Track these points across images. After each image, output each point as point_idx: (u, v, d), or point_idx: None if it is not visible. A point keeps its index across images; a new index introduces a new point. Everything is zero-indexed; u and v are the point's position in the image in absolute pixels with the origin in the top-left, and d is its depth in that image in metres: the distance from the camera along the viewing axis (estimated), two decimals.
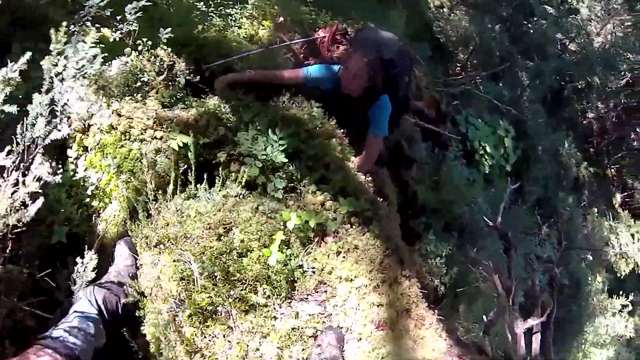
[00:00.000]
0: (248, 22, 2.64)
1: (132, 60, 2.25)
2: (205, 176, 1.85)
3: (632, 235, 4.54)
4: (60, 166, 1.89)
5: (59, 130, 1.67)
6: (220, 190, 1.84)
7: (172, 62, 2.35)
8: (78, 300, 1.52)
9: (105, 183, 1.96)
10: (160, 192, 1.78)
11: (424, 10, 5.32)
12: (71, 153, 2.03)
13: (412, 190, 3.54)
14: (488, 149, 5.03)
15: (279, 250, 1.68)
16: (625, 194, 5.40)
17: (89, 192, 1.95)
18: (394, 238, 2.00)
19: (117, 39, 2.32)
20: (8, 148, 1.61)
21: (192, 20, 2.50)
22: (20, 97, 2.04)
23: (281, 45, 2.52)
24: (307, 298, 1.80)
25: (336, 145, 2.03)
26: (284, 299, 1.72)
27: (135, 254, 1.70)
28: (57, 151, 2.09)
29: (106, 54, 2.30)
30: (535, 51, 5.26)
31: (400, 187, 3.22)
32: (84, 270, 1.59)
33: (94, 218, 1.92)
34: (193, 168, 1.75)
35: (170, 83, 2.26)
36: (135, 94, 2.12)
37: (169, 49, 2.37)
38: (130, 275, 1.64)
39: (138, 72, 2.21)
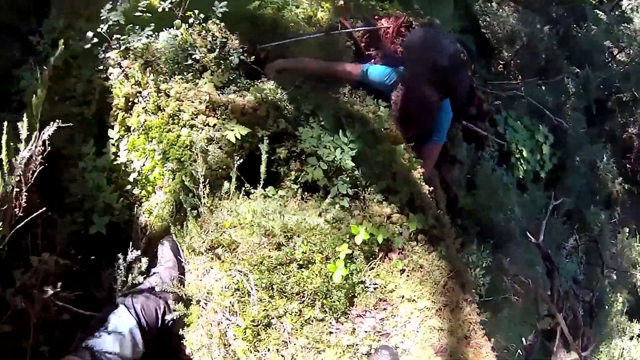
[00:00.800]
0: (307, 1, 2.35)
1: (181, 34, 1.99)
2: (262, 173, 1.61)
3: None
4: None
5: None
6: (278, 191, 1.62)
7: (224, 39, 2.09)
8: (117, 307, 1.32)
9: (148, 169, 1.73)
10: (211, 187, 1.55)
11: (472, 2, 4.95)
12: (112, 133, 1.80)
13: (454, 193, 3.30)
14: (525, 154, 4.75)
15: (343, 266, 1.46)
16: None
17: (130, 179, 1.73)
18: (456, 259, 1.78)
19: (166, 9, 2.06)
20: None
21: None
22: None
23: (342, 32, 2.24)
24: (364, 314, 1.60)
25: (403, 152, 1.78)
26: (341, 314, 1.52)
27: (179, 256, 1.49)
28: (97, 129, 1.86)
29: (153, 24, 2.06)
30: (582, 58, 4.90)
31: (442, 189, 2.99)
32: (127, 271, 1.38)
33: (135, 208, 1.70)
34: (264, 163, 1.51)
35: (222, 62, 2.01)
36: (185, 73, 1.87)
37: (222, 24, 2.11)
38: (174, 280, 1.43)
39: (188, 48, 1.96)
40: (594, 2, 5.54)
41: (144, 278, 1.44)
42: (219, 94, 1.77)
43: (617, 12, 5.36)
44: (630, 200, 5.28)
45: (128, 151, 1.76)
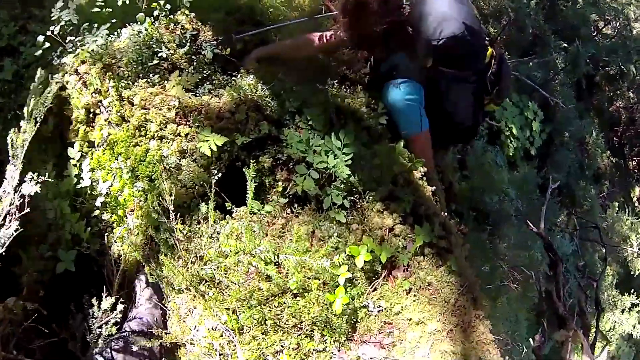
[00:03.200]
0: None
1: (146, 30, 1.67)
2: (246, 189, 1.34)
3: None
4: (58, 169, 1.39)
5: None
6: (264, 206, 1.35)
7: (196, 32, 1.77)
8: None
9: (117, 190, 1.45)
10: (187, 209, 1.29)
11: None
12: (73, 152, 1.50)
13: (449, 181, 3.05)
14: (514, 131, 4.54)
15: (343, 293, 1.22)
16: None
17: (97, 203, 1.44)
18: (467, 271, 1.54)
19: (127, 2, 1.73)
20: None
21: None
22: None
23: (327, 15, 1.93)
24: (369, 340, 1.37)
25: (403, 150, 1.52)
26: (343, 342, 1.29)
27: (159, 294, 1.23)
28: (57, 148, 1.57)
29: (114, 21, 1.74)
30: (569, 32, 4.62)
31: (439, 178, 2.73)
32: (101, 317, 1.12)
33: (106, 236, 1.43)
34: (251, 187, 1.24)
35: (194, 58, 1.69)
36: (151, 75, 1.56)
37: (192, 15, 1.78)
38: (156, 321, 1.18)
39: (154, 45, 1.64)
40: None
41: (123, 322, 1.19)
42: (190, 97, 1.47)
43: None
44: (618, 173, 5.11)
45: (92, 171, 1.47)
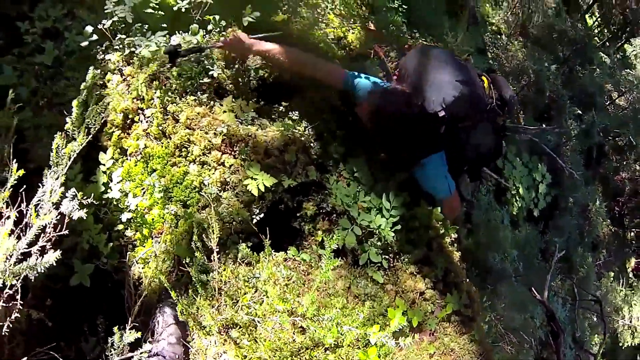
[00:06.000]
0: (337, 21, 2.11)
1: (198, 42, 1.71)
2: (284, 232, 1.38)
3: None
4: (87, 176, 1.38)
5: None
6: (301, 254, 1.38)
7: None
8: None
9: (145, 207, 1.45)
10: (223, 246, 1.30)
11: (481, 32, 4.85)
12: (104, 158, 1.50)
13: (457, 236, 3.14)
14: (521, 191, 4.72)
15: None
16: None
17: (123, 218, 1.44)
18: (484, 339, 1.62)
19: (183, 10, 1.77)
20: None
21: (275, 4, 1.94)
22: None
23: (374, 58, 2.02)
24: None
25: (440, 216, 1.59)
26: None
27: (183, 330, 1.23)
28: (85, 148, 1.56)
29: (164, 25, 1.77)
30: (585, 99, 4.91)
31: None
32: (122, 348, 1.11)
33: (127, 253, 1.42)
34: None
35: (240, 80, 1.74)
36: (199, 93, 1.59)
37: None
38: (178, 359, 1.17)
39: (205, 61, 1.68)
40: (597, 44, 5.59)
41: (143, 355, 1.17)
42: (237, 126, 1.51)
43: (619, 56, 5.42)
44: (616, 242, 5.37)
45: (122, 181, 1.47)
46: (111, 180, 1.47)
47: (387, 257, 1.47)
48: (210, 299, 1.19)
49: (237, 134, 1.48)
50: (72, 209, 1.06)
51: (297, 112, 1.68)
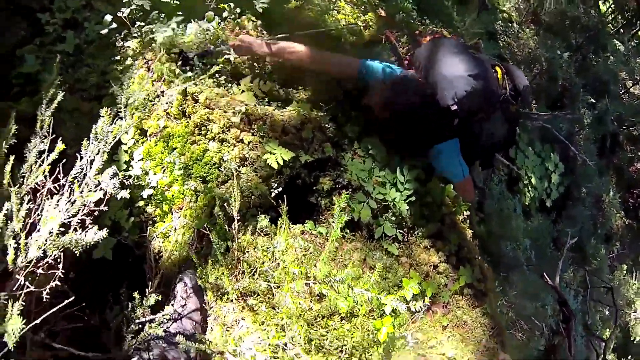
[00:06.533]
0: (349, 8, 2.16)
1: (214, 29, 1.77)
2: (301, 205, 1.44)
3: None
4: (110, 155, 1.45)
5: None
6: (317, 227, 1.44)
7: (259, 39, 1.88)
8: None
9: (165, 185, 1.52)
10: (242, 218, 1.37)
11: (492, 20, 4.86)
12: (126, 138, 1.57)
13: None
14: (533, 180, 4.72)
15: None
16: None
17: (144, 194, 1.51)
18: (497, 315, 1.67)
19: None
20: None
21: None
22: None
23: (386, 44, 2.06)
24: None
25: (452, 192, 1.63)
26: None
27: (200, 297, 1.30)
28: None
29: (179, 13, 1.84)
30: (598, 87, 4.90)
31: None
32: (143, 313, 1.18)
33: (147, 228, 1.49)
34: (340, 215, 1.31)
35: (255, 64, 1.80)
36: (217, 76, 1.66)
37: (259, 22, 1.90)
38: (195, 326, 1.24)
39: (221, 45, 1.74)
40: (611, 31, 5.55)
41: (162, 322, 1.24)
42: (255, 105, 1.57)
43: (634, 43, 5.38)
44: (630, 234, 5.34)
45: (143, 160, 1.54)
46: (132, 159, 1.54)
47: (401, 231, 1.52)
48: (230, 267, 1.26)
49: (255, 113, 1.54)
50: (114, 187, 1.13)
51: (311, 94, 1.75)
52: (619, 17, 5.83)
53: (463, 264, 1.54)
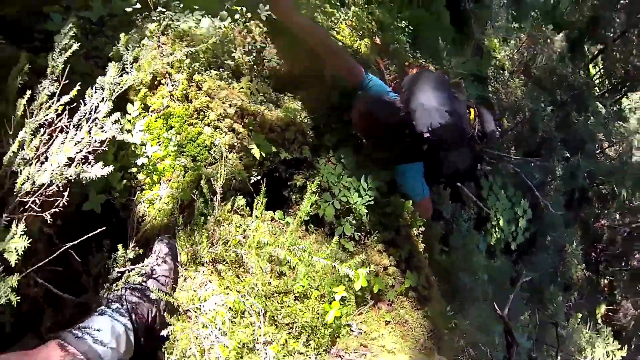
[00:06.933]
0: (347, 31, 2.42)
1: (225, 27, 1.99)
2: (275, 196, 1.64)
3: (607, 354, 4.62)
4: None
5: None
6: (286, 217, 1.64)
7: (263, 45, 2.11)
8: (107, 306, 1.30)
9: (159, 157, 1.71)
10: (223, 198, 1.56)
11: (486, 65, 5.24)
12: (131, 109, 1.76)
13: (431, 249, 3.42)
14: (501, 223, 5.01)
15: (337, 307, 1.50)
16: (611, 307, 5.54)
17: (138, 162, 1.69)
18: (438, 322, 1.88)
19: None
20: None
21: (297, 6, 2.25)
22: None
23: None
24: (343, 356, 1.65)
25: (410, 208, 1.86)
26: (322, 351, 1.56)
27: (175, 260, 1.47)
28: (115, 103, 1.82)
29: (197, 8, 2.05)
30: (576, 144, 5.28)
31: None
32: (123, 264, 1.35)
33: (136, 193, 1.67)
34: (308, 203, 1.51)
35: (255, 67, 2.02)
36: (221, 70, 1.87)
37: (265, 29, 2.13)
38: (167, 284, 1.42)
39: (228, 44, 1.97)
40: (596, 93, 6.00)
41: (138, 273, 1.41)
42: (249, 103, 1.78)
43: (615, 108, 5.82)
44: (589, 287, 5.66)
45: (143, 132, 1.73)
46: (134, 128, 1.72)
47: (359, 233, 1.73)
48: (206, 235, 1.44)
49: (249, 109, 1.76)
50: (116, 131, 1.31)
51: (300, 103, 1.97)
52: (606, 82, 6.30)
53: (411, 270, 1.76)
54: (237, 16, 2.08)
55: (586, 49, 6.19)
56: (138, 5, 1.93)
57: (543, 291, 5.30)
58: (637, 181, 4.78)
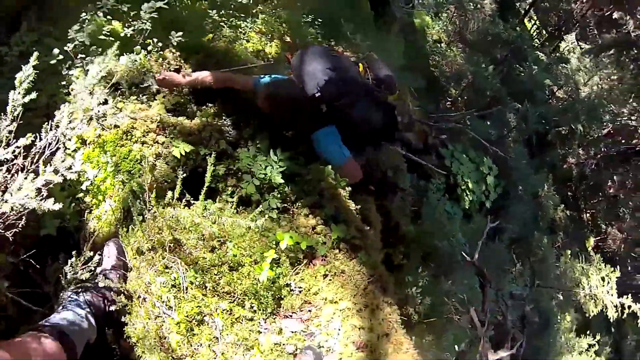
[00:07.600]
0: (257, 37, 2.76)
1: (140, 59, 2.32)
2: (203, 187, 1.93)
3: (602, 279, 4.84)
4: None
5: (80, 129, 1.72)
6: (215, 203, 1.93)
7: (178, 67, 2.44)
8: (66, 300, 1.57)
9: (100, 180, 2.01)
10: (157, 197, 1.85)
11: (422, 42, 5.61)
12: (70, 144, 2.07)
13: (395, 221, 3.67)
14: (470, 185, 5.27)
15: (269, 268, 1.77)
16: (599, 238, 5.78)
17: (83, 187, 1.99)
18: (378, 266, 2.13)
19: (128, 35, 2.39)
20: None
21: (203, 27, 2.59)
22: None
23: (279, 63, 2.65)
24: (291, 315, 1.90)
25: (330, 172, 2.15)
26: (269, 314, 1.81)
27: (123, 257, 1.76)
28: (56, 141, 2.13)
29: (114, 47, 2.38)
30: (524, 95, 5.61)
31: (383, 215, 3.32)
32: (77, 266, 1.64)
33: (85, 214, 1.97)
34: (209, 172, 1.78)
35: (175, 89, 2.35)
36: (140, 95, 2.19)
37: (178, 53, 2.46)
38: (118, 277, 1.70)
39: (145, 72, 2.29)
40: (535, 44, 6.38)
41: (93, 275, 1.69)
42: (169, 116, 2.10)
43: (556, 55, 6.19)
44: (573, 225, 5.92)
45: (83, 162, 2.04)
46: (74, 159, 2.03)
47: (285, 205, 2.02)
48: (145, 230, 1.73)
49: (168, 122, 2.07)
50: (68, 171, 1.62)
51: (216, 108, 2.29)
52: (543, 32, 6.68)
53: (337, 224, 2.03)
54: (150, 47, 2.42)
55: (517, 5, 6.59)
56: (61, 57, 2.27)
57: (529, 240, 5.54)
58: (589, 113, 5.09)
